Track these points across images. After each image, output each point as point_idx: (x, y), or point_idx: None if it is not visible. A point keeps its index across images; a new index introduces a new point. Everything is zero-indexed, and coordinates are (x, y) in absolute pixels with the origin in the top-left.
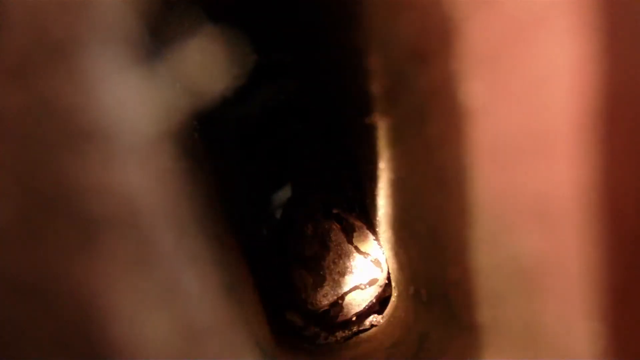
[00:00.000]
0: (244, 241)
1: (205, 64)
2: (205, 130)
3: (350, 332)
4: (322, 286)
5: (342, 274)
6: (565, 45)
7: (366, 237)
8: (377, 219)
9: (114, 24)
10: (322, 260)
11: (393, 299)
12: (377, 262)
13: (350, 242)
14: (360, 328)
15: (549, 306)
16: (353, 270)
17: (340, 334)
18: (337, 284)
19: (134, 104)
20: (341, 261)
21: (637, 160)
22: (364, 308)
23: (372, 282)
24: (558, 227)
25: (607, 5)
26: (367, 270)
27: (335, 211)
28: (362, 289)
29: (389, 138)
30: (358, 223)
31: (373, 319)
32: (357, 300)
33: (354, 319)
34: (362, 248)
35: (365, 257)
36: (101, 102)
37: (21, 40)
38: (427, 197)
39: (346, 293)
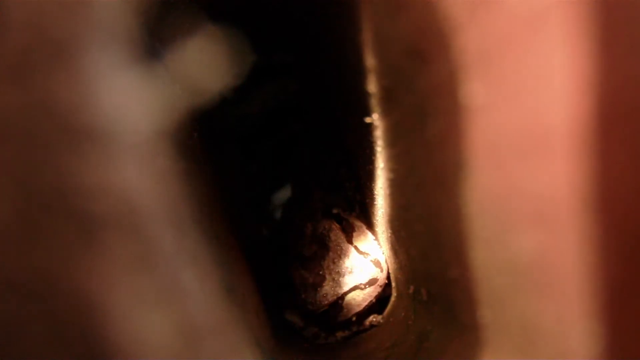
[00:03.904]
0: (244, 241)
1: (205, 64)
2: (204, 130)
3: (350, 332)
4: (321, 286)
5: (342, 273)
6: (564, 45)
7: (366, 237)
8: (377, 218)
9: (114, 23)
10: (321, 260)
11: (393, 298)
12: (376, 262)
13: (350, 242)
14: (360, 328)
15: (547, 306)
16: (353, 270)
17: (340, 334)
18: (337, 284)
19: (134, 104)
20: (341, 261)
21: (635, 160)
22: (364, 308)
23: (371, 282)
24: (556, 227)
25: (605, 6)
26: (367, 270)
27: (335, 211)
28: (361, 289)
29: (388, 137)
30: (358, 223)
31: (373, 319)
32: (357, 300)
33: (353, 319)
34: (361, 248)
35: (365, 257)
36: (100, 102)
37: (21, 40)
38: (426, 197)
39: (346, 293)
